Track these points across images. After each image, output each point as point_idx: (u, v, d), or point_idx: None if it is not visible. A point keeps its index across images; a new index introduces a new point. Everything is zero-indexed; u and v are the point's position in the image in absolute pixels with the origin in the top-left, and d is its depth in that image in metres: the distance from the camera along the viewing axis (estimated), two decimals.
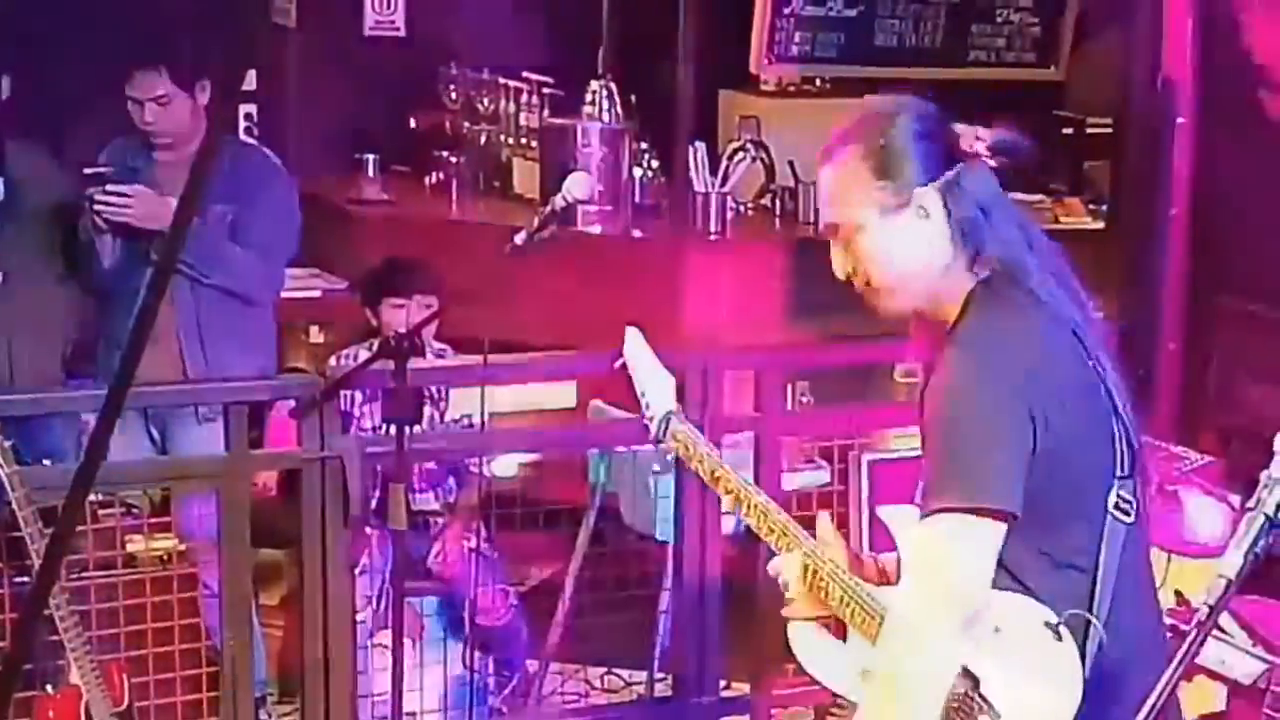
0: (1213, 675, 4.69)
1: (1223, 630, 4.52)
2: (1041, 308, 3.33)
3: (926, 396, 3.35)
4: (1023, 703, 3.24)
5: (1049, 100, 8.92)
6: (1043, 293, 3.34)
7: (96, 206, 6.11)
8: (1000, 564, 3.25)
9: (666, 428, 3.73)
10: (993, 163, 3.39)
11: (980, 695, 3.26)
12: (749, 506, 3.60)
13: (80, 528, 5.59)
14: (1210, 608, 2.96)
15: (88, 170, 6.21)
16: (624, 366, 3.86)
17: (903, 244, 3.37)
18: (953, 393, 3.28)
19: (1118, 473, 3.33)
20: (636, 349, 3.84)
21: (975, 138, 3.38)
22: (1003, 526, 3.22)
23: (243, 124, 8.89)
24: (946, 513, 3.21)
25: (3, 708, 3.13)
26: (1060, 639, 3.23)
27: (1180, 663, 3.00)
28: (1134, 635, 3.37)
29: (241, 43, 3.09)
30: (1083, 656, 3.25)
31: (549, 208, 5.16)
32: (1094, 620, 3.26)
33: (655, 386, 3.78)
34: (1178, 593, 5.20)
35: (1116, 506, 3.31)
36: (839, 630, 3.52)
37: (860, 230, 3.38)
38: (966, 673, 3.26)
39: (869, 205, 3.37)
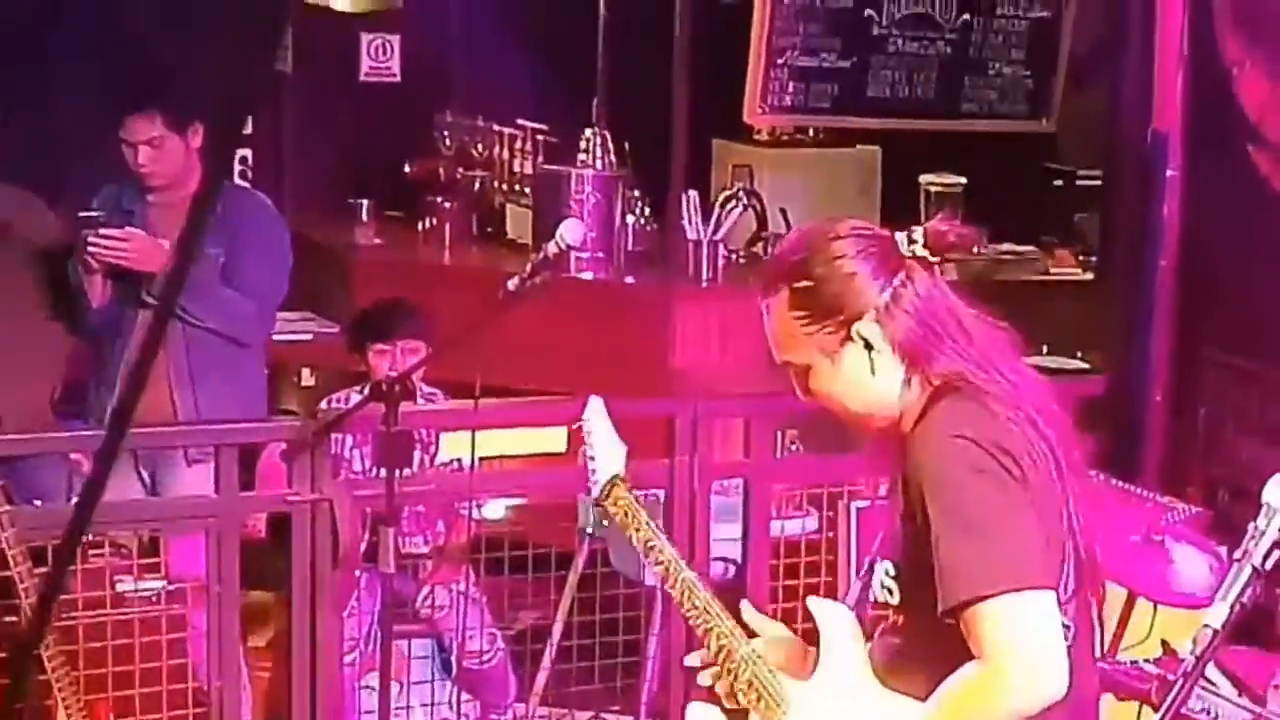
0: None
1: (1209, 680, 4.53)
2: (1001, 405, 3.29)
3: (910, 496, 3.28)
4: None
5: (1040, 152, 8.96)
6: (996, 390, 3.31)
7: (90, 249, 6.14)
8: (937, 654, 3.24)
9: (610, 491, 3.72)
10: (934, 259, 3.38)
11: None
12: (676, 581, 3.58)
13: (69, 567, 5.61)
14: (1197, 658, 2.98)
15: (82, 213, 6.24)
16: (579, 430, 3.85)
17: (853, 378, 3.34)
18: (948, 475, 3.23)
19: (1062, 592, 3.28)
20: (596, 417, 3.83)
21: (909, 240, 3.37)
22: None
23: (237, 167, 8.91)
24: (1003, 595, 3.16)
25: None
26: None
27: (1167, 712, 3.02)
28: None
29: (248, 88, 3.08)
30: None
31: (542, 254, 5.19)
32: None
33: (606, 453, 3.77)
34: (1164, 643, 5.21)
35: (1068, 600, 3.30)
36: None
37: (808, 371, 3.38)
38: None
39: (809, 348, 3.35)
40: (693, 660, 3.61)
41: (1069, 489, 3.30)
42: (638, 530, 3.66)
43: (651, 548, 3.62)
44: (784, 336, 3.39)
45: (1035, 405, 3.32)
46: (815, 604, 3.49)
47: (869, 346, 3.33)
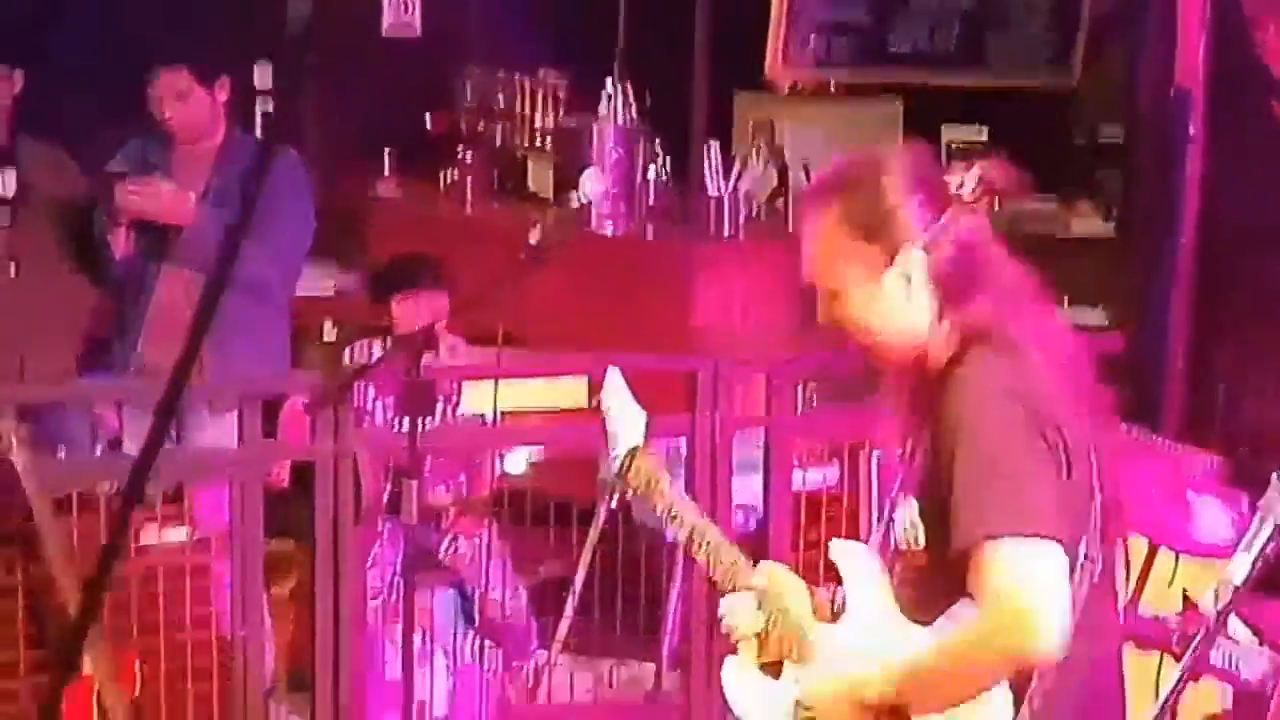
0: (1219, 676, 4.72)
1: (1230, 632, 4.54)
2: (1033, 357, 3.29)
3: (940, 438, 3.28)
4: None
5: (1063, 108, 8.95)
6: (1027, 341, 3.30)
7: (118, 201, 6.16)
8: (960, 592, 3.24)
9: (630, 463, 3.74)
10: (981, 202, 3.36)
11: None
12: (700, 545, 3.62)
13: (94, 518, 5.65)
14: (1219, 610, 2.99)
15: (109, 167, 6.27)
16: (598, 407, 3.83)
17: (887, 306, 3.33)
18: (981, 425, 3.23)
19: (1089, 526, 3.28)
20: (615, 388, 3.83)
21: (961, 183, 3.35)
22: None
23: (259, 120, 8.91)
24: (1010, 538, 3.16)
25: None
26: None
27: (1188, 664, 3.03)
28: (1085, 693, 3.34)
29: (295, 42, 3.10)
30: (1019, 701, 3.23)
31: (564, 207, 5.20)
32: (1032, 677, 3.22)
33: (626, 423, 3.79)
34: (1185, 594, 5.23)
35: (1088, 555, 3.29)
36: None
37: (839, 296, 3.37)
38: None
39: (850, 269, 3.33)
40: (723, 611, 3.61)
41: (1096, 439, 3.30)
42: (660, 498, 3.68)
43: (674, 515, 3.66)
44: (825, 256, 3.37)
45: (1066, 355, 3.33)
46: (838, 546, 3.51)
47: (908, 280, 3.32)
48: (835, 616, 3.47)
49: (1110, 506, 3.33)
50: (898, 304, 3.33)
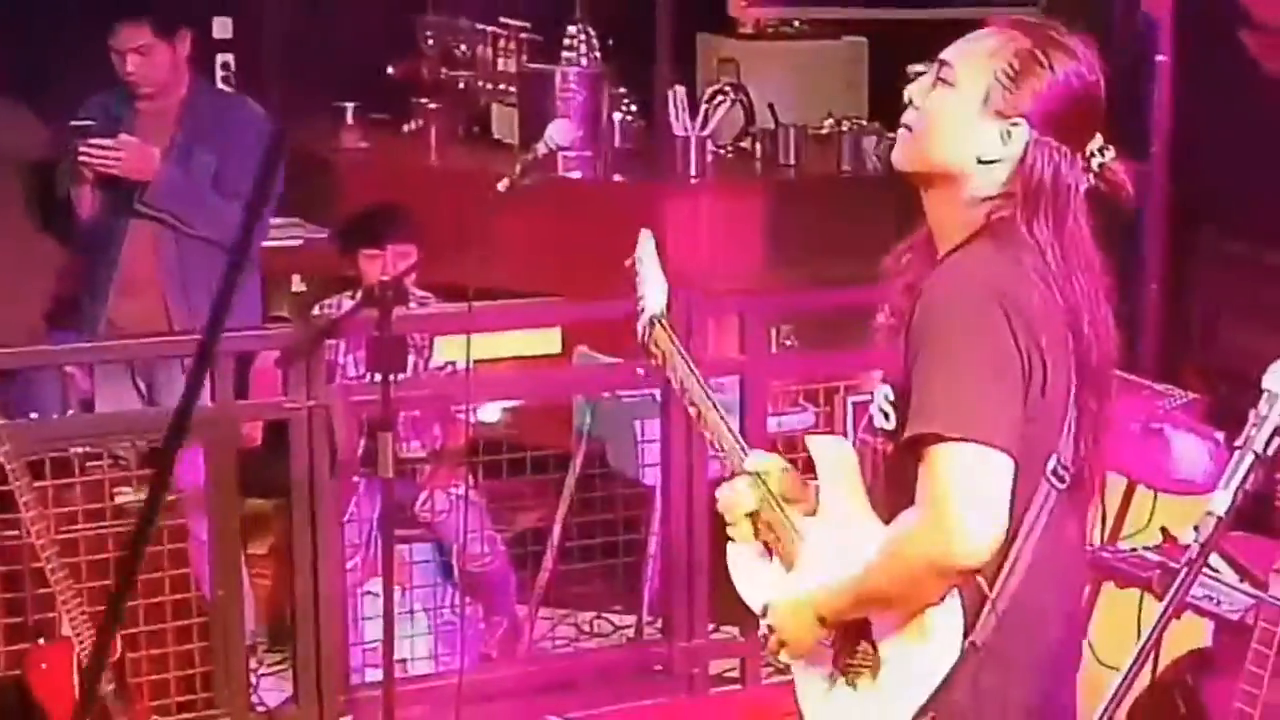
0: (1200, 611, 4.72)
1: (1211, 567, 4.54)
2: (1036, 264, 3.25)
3: (917, 323, 3.23)
4: (901, 648, 3.27)
5: None
6: (1038, 249, 3.26)
7: (81, 157, 6.12)
8: None
9: (650, 332, 3.73)
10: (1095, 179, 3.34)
11: (868, 639, 3.30)
12: (706, 423, 3.61)
13: (67, 480, 5.63)
14: (1201, 545, 2.98)
15: (73, 122, 6.22)
16: (633, 266, 3.85)
17: (975, 136, 3.27)
18: (955, 320, 3.19)
19: (1062, 435, 3.26)
20: (646, 252, 3.83)
21: (1101, 150, 3.33)
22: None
23: (219, 73, 8.85)
24: (958, 442, 3.13)
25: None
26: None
27: (1172, 600, 3.02)
28: (1049, 607, 3.32)
29: None
30: (974, 621, 3.21)
31: (531, 155, 5.17)
32: (988, 596, 3.21)
33: (652, 290, 3.77)
34: (1164, 530, 5.23)
35: (1054, 472, 3.27)
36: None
37: (945, 91, 3.30)
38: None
39: (976, 82, 3.28)
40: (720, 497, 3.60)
41: (1083, 373, 3.28)
42: (673, 370, 3.68)
43: (685, 389, 3.65)
44: (974, 59, 3.29)
45: (1088, 295, 3.30)
46: (815, 440, 3.50)
47: (1007, 139, 3.27)
48: (813, 513, 3.47)
49: (1091, 446, 3.31)
50: (976, 148, 3.28)
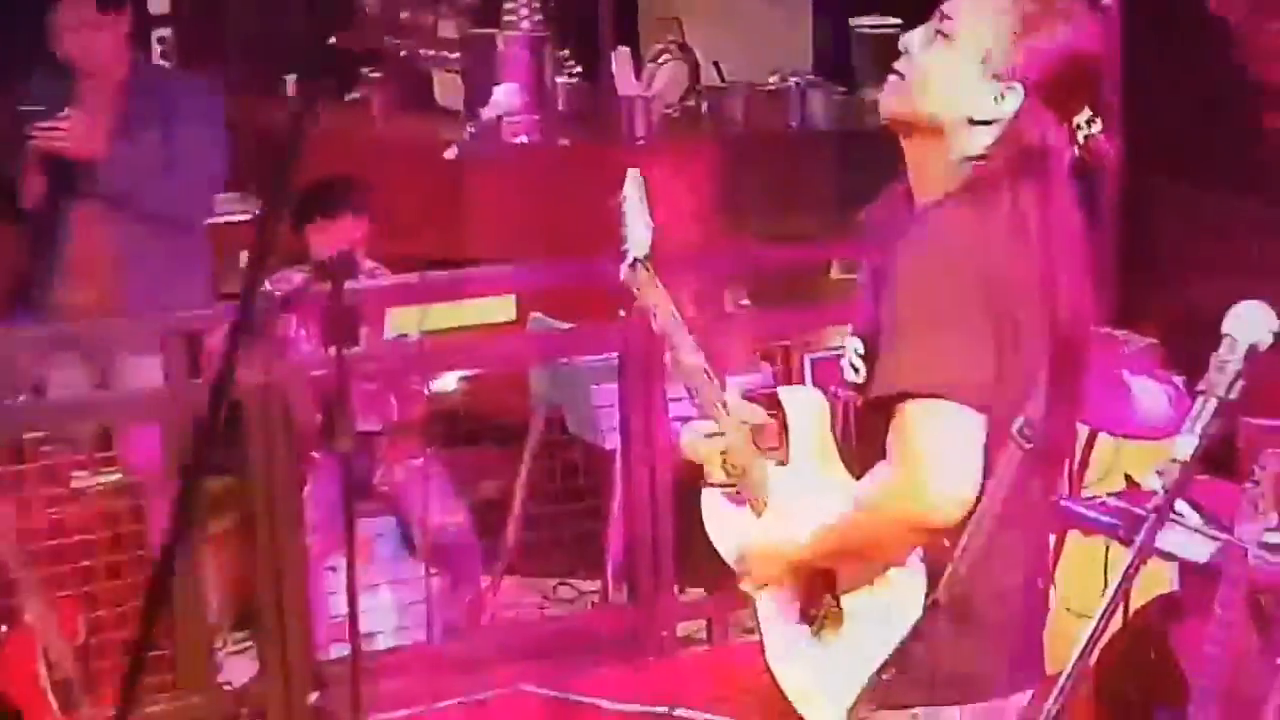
0: (1165, 556, 4.73)
1: (1176, 512, 4.55)
2: (1017, 218, 3.20)
3: (889, 276, 3.20)
4: (865, 603, 3.27)
5: None
6: (1022, 204, 3.25)
7: (27, 138, 6.07)
8: None
9: (634, 272, 3.73)
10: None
11: (833, 592, 3.30)
12: (684, 368, 3.61)
13: (24, 466, 5.59)
14: (1167, 491, 2.97)
15: (14, 103, 6.16)
16: (619, 205, 3.82)
17: (969, 95, 3.23)
18: (927, 275, 3.16)
19: (1029, 406, 3.25)
20: (633, 190, 3.82)
21: (1088, 121, 3.30)
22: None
23: (157, 48, 8.79)
24: (927, 399, 3.12)
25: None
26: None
27: (1140, 546, 3.02)
28: (1013, 565, 3.30)
29: None
30: (938, 578, 3.17)
31: (478, 121, 5.15)
32: (952, 553, 3.19)
33: (637, 230, 3.76)
34: (1127, 476, 5.23)
35: (1020, 432, 3.25)
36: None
37: (962, 45, 3.28)
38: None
39: (976, 33, 3.23)
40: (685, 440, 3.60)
41: (1056, 336, 3.26)
42: (653, 318, 3.66)
43: (666, 333, 3.63)
44: (964, 17, 3.25)
45: (1066, 253, 3.28)
46: (786, 392, 3.49)
47: (1000, 99, 3.23)
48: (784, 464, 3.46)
49: (1060, 396, 3.30)
50: (976, 106, 3.24)
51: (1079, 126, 3.28)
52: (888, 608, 3.23)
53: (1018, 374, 3.19)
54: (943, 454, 3.11)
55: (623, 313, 5.77)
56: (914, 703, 3.26)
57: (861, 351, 3.30)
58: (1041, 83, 3.24)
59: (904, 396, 3.14)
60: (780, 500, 3.42)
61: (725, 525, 3.54)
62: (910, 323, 3.15)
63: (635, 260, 3.74)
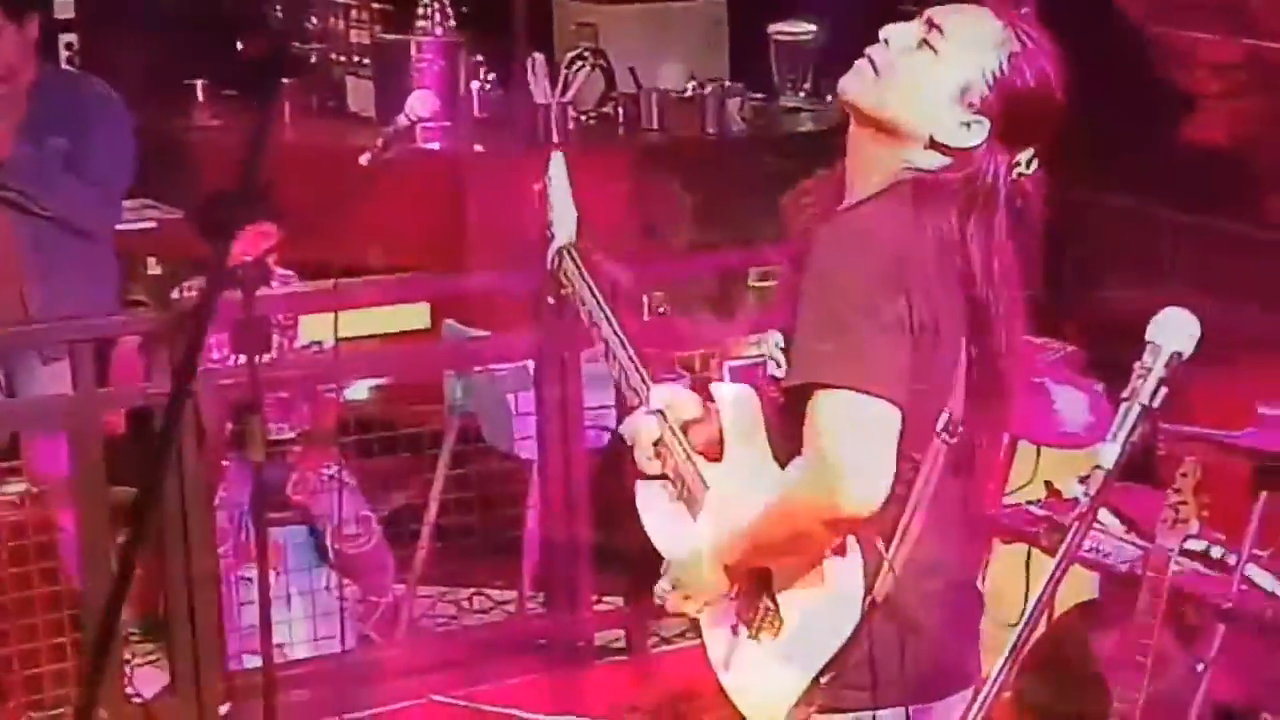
0: (1088, 564, 4.73)
1: (1098, 520, 4.54)
2: (949, 225, 3.18)
3: (813, 261, 3.16)
4: (803, 604, 3.22)
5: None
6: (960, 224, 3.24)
7: None
8: None
9: (559, 263, 3.65)
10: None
11: (770, 595, 3.26)
12: (615, 358, 3.53)
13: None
14: (1090, 498, 2.96)
15: None
16: (543, 191, 3.76)
17: (940, 116, 3.21)
18: (840, 269, 3.13)
19: (947, 403, 3.19)
20: (558, 175, 3.72)
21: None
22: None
23: (64, 54, 8.69)
24: (842, 391, 3.08)
25: None
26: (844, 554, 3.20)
27: (1065, 554, 3.00)
28: (946, 563, 3.28)
29: None
30: (874, 579, 3.16)
31: (392, 128, 5.10)
32: (885, 555, 3.17)
33: (562, 218, 3.68)
34: (1048, 484, 5.23)
35: (945, 429, 3.22)
36: None
37: (945, 63, 3.23)
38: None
39: (963, 73, 3.19)
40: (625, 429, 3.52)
41: (981, 343, 3.24)
42: (581, 303, 3.59)
43: (594, 323, 3.57)
44: (954, 36, 3.21)
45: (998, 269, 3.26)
46: (718, 388, 3.44)
47: (970, 120, 3.22)
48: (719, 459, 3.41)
49: (984, 397, 3.28)
50: (938, 117, 3.21)
51: (1018, 162, 3.27)
52: (826, 608, 3.19)
53: (938, 375, 3.17)
54: (854, 444, 3.07)
55: (551, 300, 5.71)
56: (855, 706, 3.22)
57: (782, 345, 3.27)
58: (1007, 121, 3.22)
59: (815, 388, 3.10)
60: (714, 496, 3.37)
61: (663, 522, 3.48)
62: (826, 315, 3.12)
63: (561, 248, 3.67)
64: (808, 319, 3.14)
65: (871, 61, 3.26)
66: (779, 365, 3.28)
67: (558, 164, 3.75)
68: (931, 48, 3.24)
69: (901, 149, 3.24)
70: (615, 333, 3.56)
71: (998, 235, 3.25)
